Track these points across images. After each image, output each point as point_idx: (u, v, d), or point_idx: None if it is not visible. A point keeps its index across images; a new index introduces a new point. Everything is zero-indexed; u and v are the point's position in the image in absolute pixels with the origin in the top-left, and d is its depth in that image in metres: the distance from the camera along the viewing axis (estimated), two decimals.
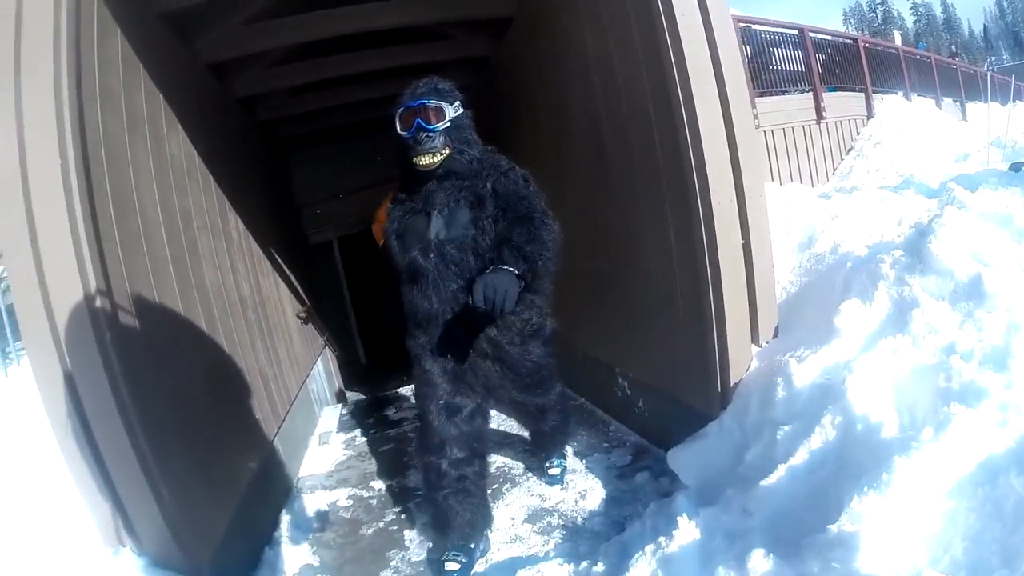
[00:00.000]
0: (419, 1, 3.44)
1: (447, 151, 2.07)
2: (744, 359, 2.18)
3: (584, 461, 2.84)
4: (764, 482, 1.57)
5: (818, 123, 6.40)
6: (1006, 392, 1.36)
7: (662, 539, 1.54)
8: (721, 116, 2.17)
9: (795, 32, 6.69)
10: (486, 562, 2.19)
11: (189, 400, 2.40)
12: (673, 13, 2.14)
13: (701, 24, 2.17)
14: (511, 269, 1.75)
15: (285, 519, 2.79)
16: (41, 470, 2.50)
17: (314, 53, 3.86)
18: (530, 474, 2.79)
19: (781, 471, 1.57)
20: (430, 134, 2.05)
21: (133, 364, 1.95)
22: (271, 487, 2.90)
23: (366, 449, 3.66)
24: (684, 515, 1.58)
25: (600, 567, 1.79)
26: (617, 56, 2.66)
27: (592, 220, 3.21)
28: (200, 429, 2.41)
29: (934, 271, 1.82)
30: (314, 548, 2.58)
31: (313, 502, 3.00)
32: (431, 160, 2.06)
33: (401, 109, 2.07)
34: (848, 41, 7.83)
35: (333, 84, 4.37)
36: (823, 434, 1.58)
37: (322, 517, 2.84)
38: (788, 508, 1.45)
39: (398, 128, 2.07)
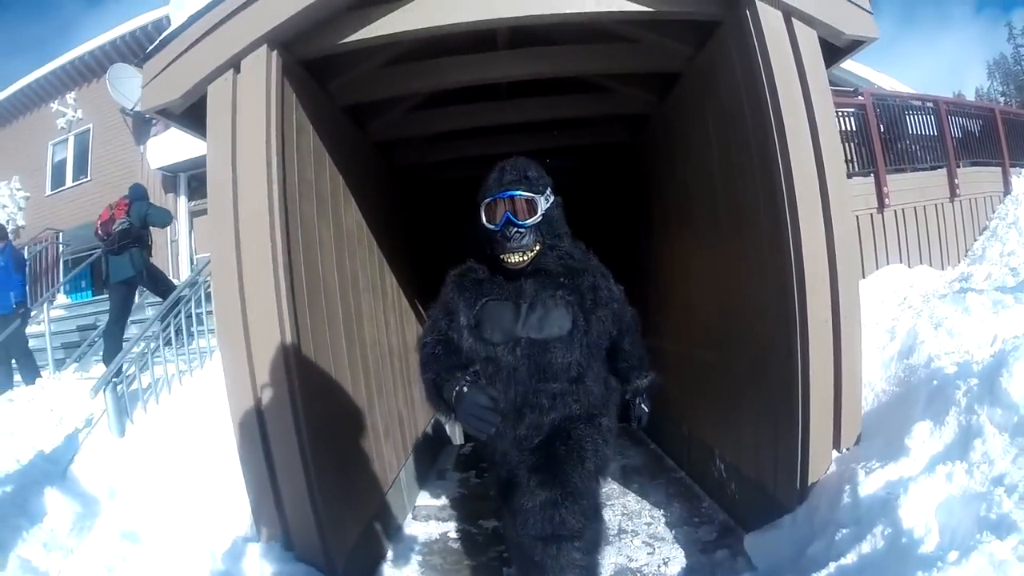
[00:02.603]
0: (584, 52, 3.44)
1: (537, 247, 1.95)
2: (824, 462, 2.53)
3: (673, 532, 3.25)
4: (816, 575, 1.91)
5: (951, 201, 6.25)
6: None
7: None
8: (825, 251, 2.56)
9: (930, 104, 6.69)
10: None
11: (344, 431, 3.12)
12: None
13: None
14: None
15: (402, 540, 3.43)
16: (205, 471, 3.27)
17: (465, 115, 4.26)
18: (623, 535, 3.21)
19: (832, 568, 1.92)
20: (520, 230, 1.92)
21: (309, 400, 2.65)
22: (393, 511, 3.55)
23: (479, 489, 4.21)
24: None
25: None
26: (735, 148, 3.04)
27: (709, 304, 3.58)
28: (348, 455, 3.11)
29: (1001, 404, 2.07)
30: (423, 569, 3.16)
31: (426, 530, 3.62)
32: (521, 259, 1.94)
33: (488, 199, 1.96)
34: (985, 112, 7.58)
35: (485, 159, 4.99)
36: (873, 541, 1.91)
37: (432, 544, 3.43)
38: None
39: (483, 219, 1.96)
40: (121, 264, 5.37)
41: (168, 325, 4.40)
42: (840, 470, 2.39)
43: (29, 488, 3.10)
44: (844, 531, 2.06)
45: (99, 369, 5.96)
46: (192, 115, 2.80)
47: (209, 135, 2.69)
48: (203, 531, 2.86)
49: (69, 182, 11.74)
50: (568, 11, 2.73)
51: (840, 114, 6.50)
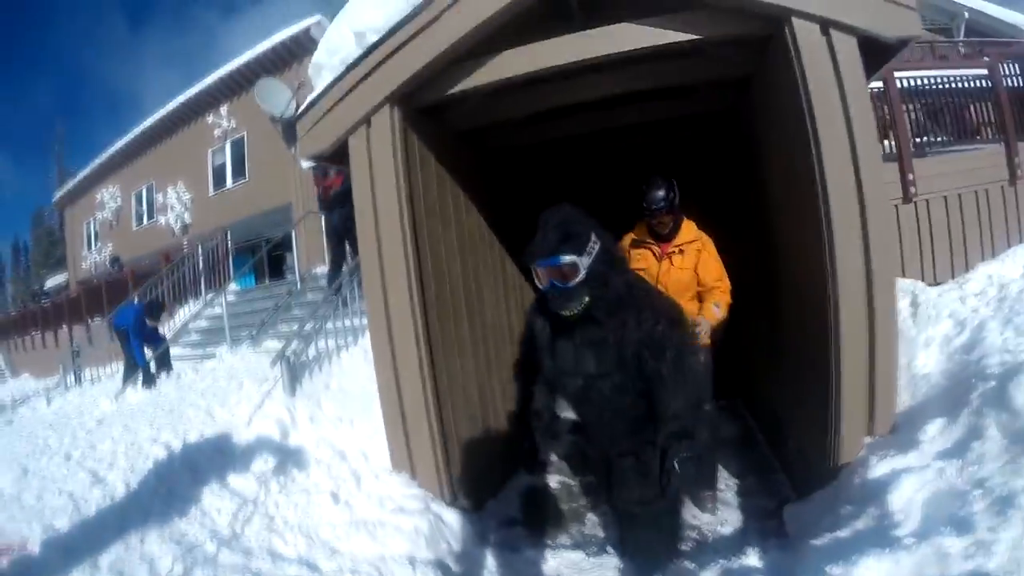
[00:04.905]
0: (662, 67, 3.67)
1: (586, 299, 2.20)
2: (856, 447, 2.86)
3: (740, 499, 3.71)
4: (816, 542, 2.36)
5: (1012, 185, 5.38)
6: (986, 529, 1.86)
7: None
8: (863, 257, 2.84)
9: (983, 72, 5.83)
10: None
11: (464, 393, 3.89)
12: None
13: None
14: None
15: (508, 484, 4.23)
16: (355, 420, 4.11)
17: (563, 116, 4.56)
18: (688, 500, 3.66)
19: (827, 538, 2.32)
20: (566, 291, 2.18)
21: (436, 369, 3.49)
22: (504, 461, 4.27)
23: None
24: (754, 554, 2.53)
25: (690, 565, 2.83)
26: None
27: (784, 288, 3.85)
28: (467, 413, 3.88)
29: (1008, 410, 2.29)
30: (522, 507, 3.94)
31: (536, 481, 4.31)
32: (570, 313, 2.23)
33: (533, 265, 2.23)
34: None
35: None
36: (865, 520, 2.28)
37: (535, 490, 4.18)
38: (823, 563, 2.13)
39: (534, 278, 2.28)
40: (331, 218, 7.26)
41: (325, 311, 5.53)
42: (865, 455, 2.71)
43: (223, 435, 4.03)
44: (848, 508, 2.43)
45: (268, 345, 7.33)
46: (338, 154, 3.60)
47: (352, 174, 3.51)
48: (351, 461, 3.74)
49: (229, 183, 13.54)
50: (630, 48, 3.19)
51: (963, 79, 6.20)
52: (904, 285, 4.02)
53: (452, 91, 3.45)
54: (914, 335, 3.55)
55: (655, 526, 2.66)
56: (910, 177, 5.49)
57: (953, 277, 4.74)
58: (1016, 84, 6.28)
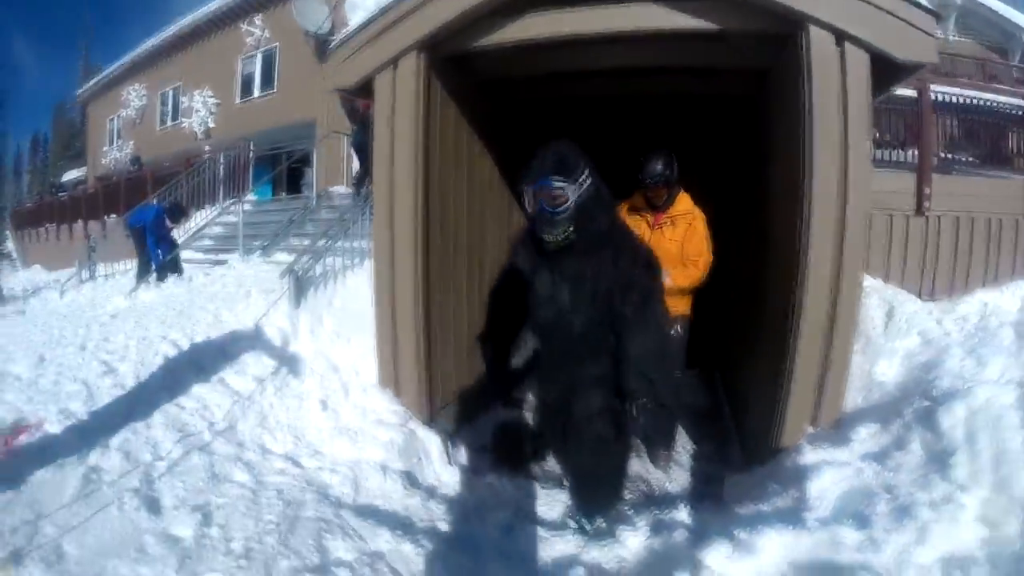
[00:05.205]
0: (684, 47, 3.69)
1: (571, 228, 2.29)
2: (798, 434, 3.10)
3: (693, 463, 4.01)
4: (740, 509, 2.68)
5: None
6: (882, 530, 2.13)
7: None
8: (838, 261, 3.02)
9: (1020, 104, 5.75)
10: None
11: (456, 327, 4.23)
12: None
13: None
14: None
15: (488, 416, 4.56)
16: (351, 336, 4.40)
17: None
18: (643, 454, 3.99)
19: (752, 509, 2.63)
20: (553, 215, 2.26)
21: (430, 300, 3.80)
22: (488, 394, 4.57)
23: None
24: (685, 510, 2.84)
25: (628, 511, 3.14)
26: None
27: (766, 276, 3.94)
28: (456, 344, 4.21)
29: (933, 430, 2.50)
30: (496, 435, 4.31)
31: (512, 415, 4.69)
32: (554, 239, 2.32)
33: (526, 187, 2.34)
34: None
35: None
36: (786, 499, 2.57)
37: (513, 422, 4.56)
38: (735, 527, 2.41)
39: (525, 201, 2.38)
40: (364, 134, 7.65)
41: (337, 230, 5.79)
42: (803, 442, 2.97)
43: (228, 338, 4.38)
44: (775, 486, 2.71)
45: (278, 257, 7.63)
46: (363, 89, 3.80)
47: (375, 110, 3.72)
48: (342, 374, 4.06)
49: (256, 93, 13.65)
50: (651, 27, 3.31)
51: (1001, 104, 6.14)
52: (886, 294, 4.18)
53: (477, 44, 3.60)
54: (882, 343, 3.72)
55: (602, 481, 2.99)
56: (927, 191, 5.50)
57: (951, 297, 4.82)
58: None
